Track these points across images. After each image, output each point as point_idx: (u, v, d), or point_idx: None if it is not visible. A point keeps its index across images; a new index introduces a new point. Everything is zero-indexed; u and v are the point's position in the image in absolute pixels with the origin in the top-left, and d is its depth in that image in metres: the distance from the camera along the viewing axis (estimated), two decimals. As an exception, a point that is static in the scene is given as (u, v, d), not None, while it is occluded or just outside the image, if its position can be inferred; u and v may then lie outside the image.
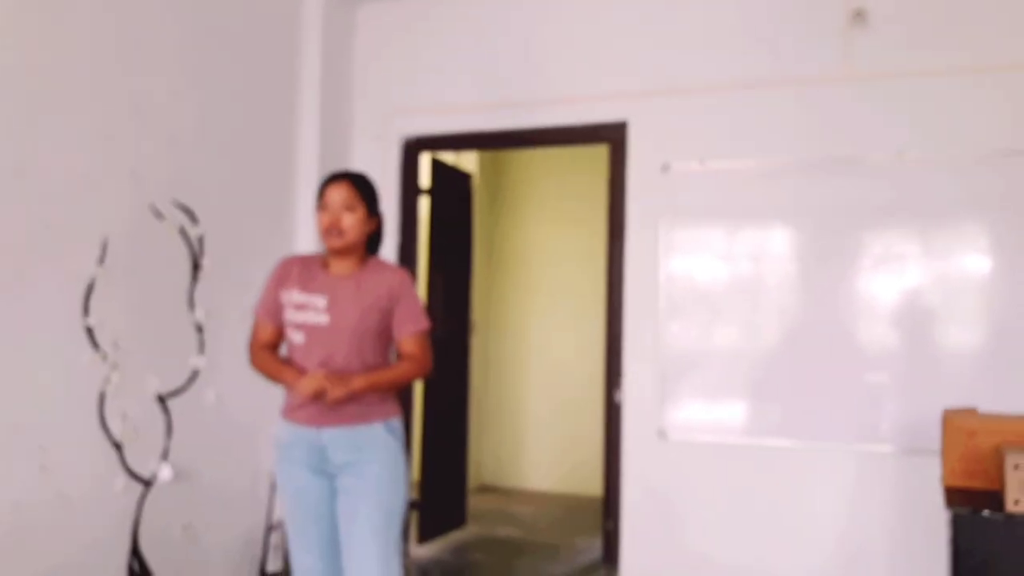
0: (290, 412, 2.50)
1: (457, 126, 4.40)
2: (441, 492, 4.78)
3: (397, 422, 2.54)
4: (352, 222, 2.48)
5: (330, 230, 2.46)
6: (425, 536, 4.61)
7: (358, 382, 2.39)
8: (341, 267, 2.53)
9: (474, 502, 5.49)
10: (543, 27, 4.25)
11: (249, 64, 3.95)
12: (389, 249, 4.44)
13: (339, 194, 2.49)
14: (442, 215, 4.84)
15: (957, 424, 2.80)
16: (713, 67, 3.94)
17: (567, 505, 5.78)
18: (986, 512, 2.49)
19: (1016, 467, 2.47)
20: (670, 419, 3.92)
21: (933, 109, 3.62)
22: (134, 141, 3.30)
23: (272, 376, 2.54)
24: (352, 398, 2.40)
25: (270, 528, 4.00)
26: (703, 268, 3.93)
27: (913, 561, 3.52)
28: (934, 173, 3.61)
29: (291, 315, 2.49)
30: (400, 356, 2.58)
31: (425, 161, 4.65)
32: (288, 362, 2.53)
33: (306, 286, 2.50)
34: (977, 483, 2.72)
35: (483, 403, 6.30)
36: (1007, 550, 2.48)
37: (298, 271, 2.54)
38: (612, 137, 4.11)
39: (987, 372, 3.48)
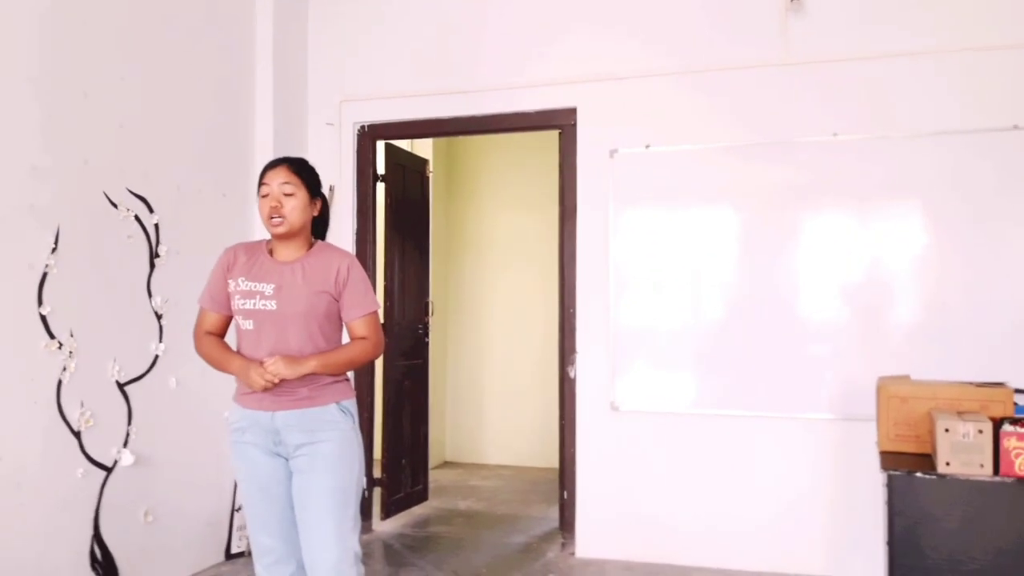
0: (242, 397, 2.50)
1: (410, 113, 4.44)
2: (403, 469, 4.85)
3: (350, 403, 2.55)
4: (294, 206, 2.47)
5: (272, 216, 2.46)
6: (388, 512, 4.67)
7: (310, 363, 2.40)
8: (286, 253, 2.52)
9: (436, 478, 5.59)
10: (494, 15, 4.30)
11: (201, 52, 3.92)
12: (346, 234, 4.47)
13: (278, 179, 2.48)
14: (398, 200, 4.85)
15: (891, 391, 2.90)
16: (657, 54, 4.03)
17: (526, 478, 5.89)
18: (919, 473, 2.59)
19: (947, 430, 2.56)
20: (622, 392, 4.04)
21: (866, 92, 3.75)
22: (84, 129, 3.27)
23: (217, 364, 2.54)
24: (304, 379, 2.41)
25: (235, 509, 4.04)
26: (650, 248, 4.04)
27: (851, 521, 3.70)
28: (868, 154, 3.75)
29: (239, 303, 2.48)
30: (351, 339, 2.58)
31: (380, 147, 4.66)
32: (236, 350, 2.52)
33: (252, 273, 2.49)
34: (910, 447, 2.82)
35: (443, 382, 6.37)
36: (939, 509, 2.58)
37: (244, 259, 2.53)
38: (562, 123, 4.20)
39: (920, 342, 3.64)
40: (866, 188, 3.75)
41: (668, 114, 4.01)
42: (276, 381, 2.36)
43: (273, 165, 2.54)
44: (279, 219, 2.46)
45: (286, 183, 2.48)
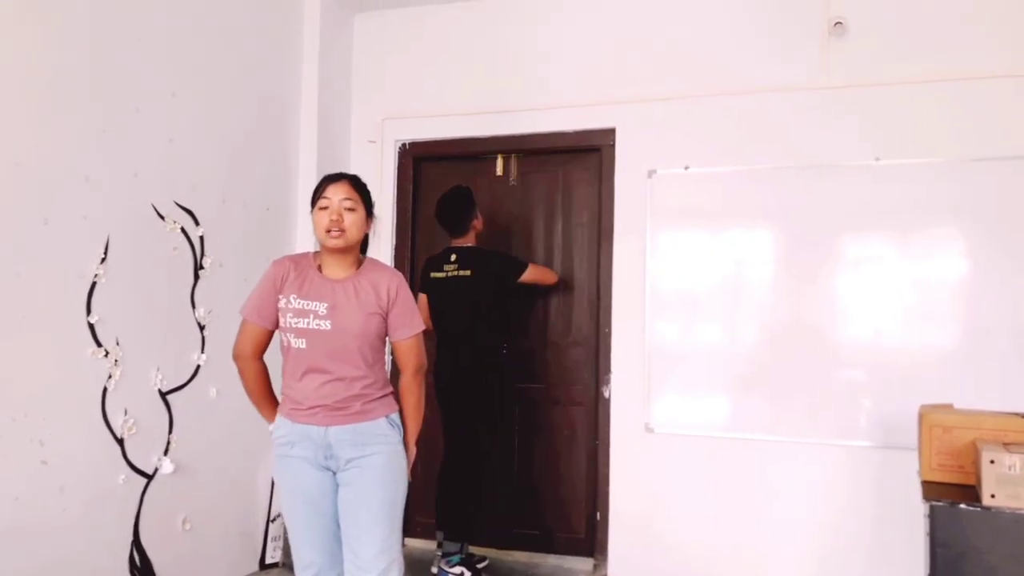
0: (292, 411, 2.51)
1: (451, 132, 4.48)
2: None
3: (397, 416, 2.59)
4: (353, 221, 2.49)
5: (331, 229, 2.46)
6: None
7: (414, 439, 2.65)
8: (337, 269, 2.53)
9: (467, 496, 5.56)
10: (535, 36, 4.34)
11: (249, 69, 4.01)
12: (385, 251, 4.51)
13: (340, 194, 2.50)
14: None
15: (934, 420, 2.84)
16: (697, 76, 4.03)
17: (558, 499, 5.84)
18: (963, 505, 2.53)
19: (992, 461, 2.50)
20: (656, 414, 4.01)
21: (908, 117, 3.71)
22: (135, 142, 3.34)
23: (255, 400, 2.61)
24: (356, 395, 2.50)
25: (270, 520, 4.07)
26: (687, 270, 4.02)
27: (891, 553, 3.62)
28: (910, 179, 3.70)
29: (291, 321, 2.48)
30: (396, 355, 2.62)
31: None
32: (283, 365, 2.54)
33: (303, 291, 2.49)
34: (953, 477, 2.76)
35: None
36: (983, 542, 2.51)
37: (293, 275, 2.52)
38: (600, 143, 4.22)
39: (962, 370, 3.57)
40: (908, 213, 3.71)
41: (708, 136, 4.00)
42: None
43: (334, 179, 2.55)
44: (338, 232, 2.47)
45: (347, 198, 2.51)
